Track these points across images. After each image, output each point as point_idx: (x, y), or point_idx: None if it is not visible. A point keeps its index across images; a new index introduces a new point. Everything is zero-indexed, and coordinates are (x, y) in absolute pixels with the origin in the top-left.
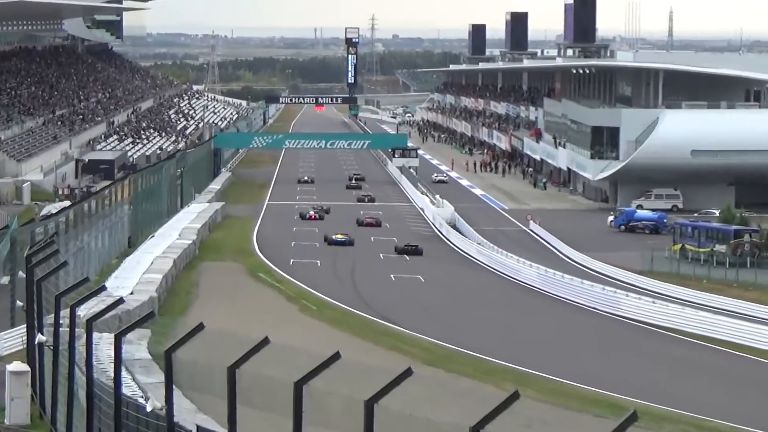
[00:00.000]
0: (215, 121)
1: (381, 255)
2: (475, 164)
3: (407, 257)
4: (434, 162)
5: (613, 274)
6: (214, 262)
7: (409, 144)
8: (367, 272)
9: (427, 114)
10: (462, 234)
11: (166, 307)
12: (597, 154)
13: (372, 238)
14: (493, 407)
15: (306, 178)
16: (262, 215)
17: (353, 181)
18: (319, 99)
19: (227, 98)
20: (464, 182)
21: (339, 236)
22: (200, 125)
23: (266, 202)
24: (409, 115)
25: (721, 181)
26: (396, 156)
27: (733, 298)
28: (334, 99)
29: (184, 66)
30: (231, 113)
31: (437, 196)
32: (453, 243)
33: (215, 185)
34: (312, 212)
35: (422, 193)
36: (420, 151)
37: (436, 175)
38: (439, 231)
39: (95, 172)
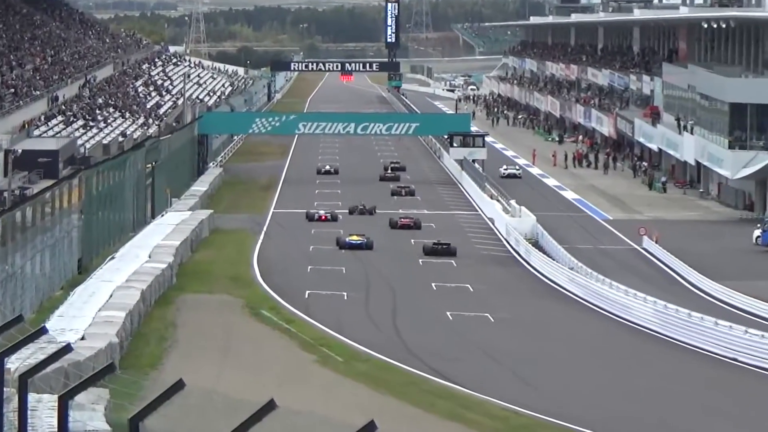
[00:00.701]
0: (200, 97)
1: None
2: (565, 156)
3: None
4: (508, 154)
5: (761, 312)
6: (199, 295)
7: (474, 128)
8: (412, 306)
9: (499, 86)
10: (547, 255)
11: (132, 358)
12: (738, 142)
13: (412, 241)
14: None
15: (328, 167)
16: (265, 228)
17: (389, 171)
18: (347, 65)
19: (217, 64)
20: (550, 181)
21: (354, 238)
22: (179, 102)
23: (272, 209)
24: (473, 87)
25: None
26: (455, 145)
27: None
28: (368, 65)
29: (156, 19)
30: (223, 85)
31: (512, 202)
32: (534, 267)
33: (200, 186)
34: (323, 212)
35: (491, 197)
36: (488, 139)
37: (505, 167)
38: (514, 250)
39: (31, 167)
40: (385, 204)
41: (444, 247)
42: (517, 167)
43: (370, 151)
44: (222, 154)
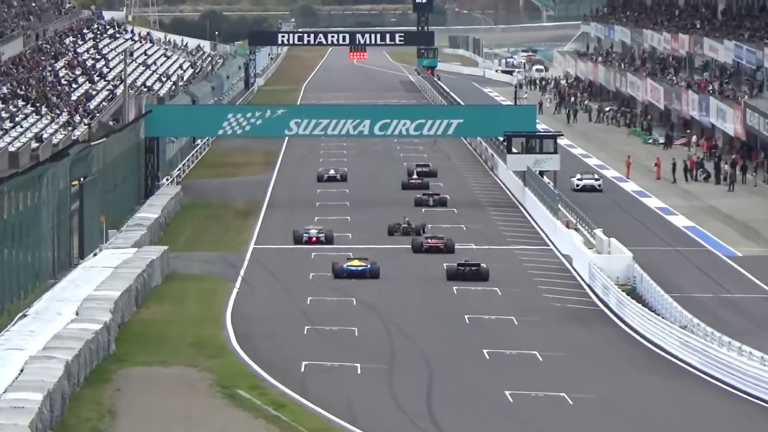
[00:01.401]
0: (149, 84)
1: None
2: (673, 166)
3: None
4: (591, 162)
5: None
6: (148, 368)
7: (541, 126)
8: (455, 382)
9: (576, 65)
10: (648, 308)
11: None
12: None
13: (444, 265)
14: None
15: (332, 172)
16: (243, 271)
17: (415, 177)
18: (358, 37)
19: (173, 37)
20: (651, 202)
21: (355, 264)
22: (118, 92)
23: (251, 244)
24: (540, 67)
25: None
26: (514, 151)
27: None
28: (388, 37)
29: None
30: (181, 67)
31: (598, 232)
32: (630, 326)
33: (149, 212)
34: (314, 231)
35: (567, 225)
36: (563, 141)
37: (579, 176)
38: (601, 301)
39: None
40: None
41: (473, 270)
42: (596, 176)
43: (391, 159)
44: (180, 166)
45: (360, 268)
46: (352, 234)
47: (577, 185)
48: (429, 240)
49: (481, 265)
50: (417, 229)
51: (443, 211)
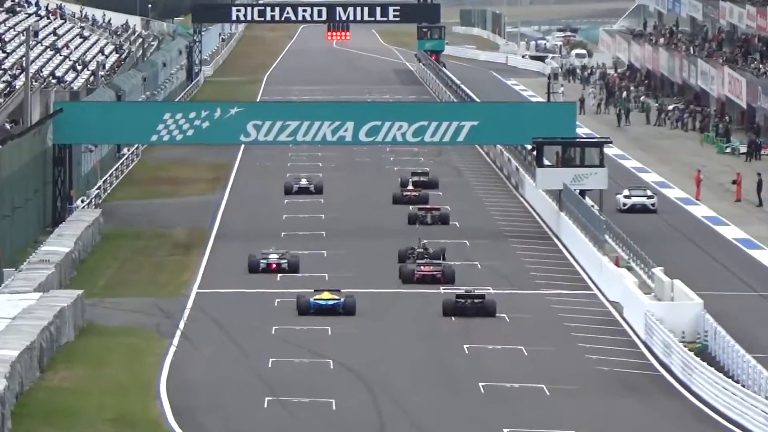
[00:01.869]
0: (58, 74)
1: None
2: (759, 183)
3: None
4: (648, 178)
5: None
6: None
7: (583, 130)
8: None
9: (630, 49)
10: (724, 372)
11: None
12: None
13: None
14: None
15: (305, 182)
16: (183, 324)
17: (410, 189)
18: (338, 12)
19: (91, 11)
20: (728, 231)
21: (324, 297)
22: (18, 84)
23: (194, 287)
24: (581, 52)
25: None
26: (546, 163)
27: None
28: (378, 11)
29: None
30: (102, 51)
31: (657, 272)
32: (698, 395)
33: (58, 244)
34: (273, 256)
35: (617, 262)
36: (611, 151)
37: (627, 192)
38: (661, 363)
39: None
40: (400, 240)
41: (477, 302)
42: (650, 193)
43: (381, 171)
44: (100, 184)
45: (331, 303)
46: (328, 273)
47: (625, 204)
48: (421, 270)
49: (486, 297)
50: (436, 254)
51: (442, 230)
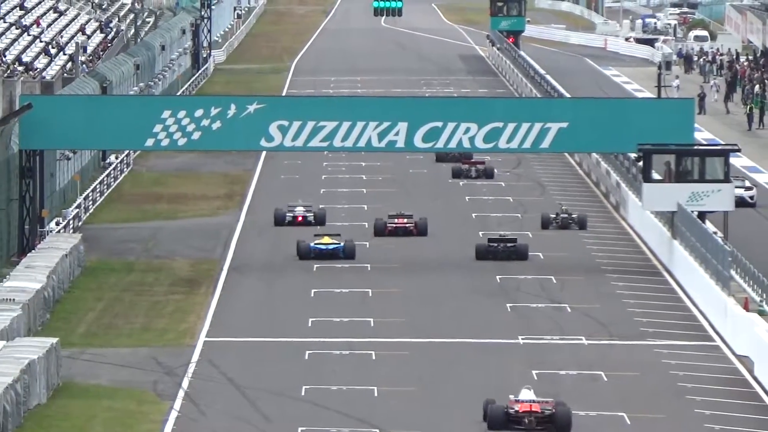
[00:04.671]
0: (26, 60)
1: None
2: None
3: None
4: None
5: None
6: None
7: (702, 135)
8: None
9: (765, 30)
10: None
11: None
12: None
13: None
14: None
15: (301, 209)
16: (187, 381)
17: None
18: None
19: None
20: None
21: (324, 242)
22: None
23: (201, 334)
24: (702, 34)
25: None
26: (655, 178)
27: None
28: None
29: None
30: (83, 29)
31: None
32: None
33: (27, 278)
34: (300, 209)
35: (745, 305)
36: (740, 161)
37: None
38: None
39: None
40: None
41: (510, 247)
42: (747, 184)
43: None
44: (81, 201)
45: (331, 247)
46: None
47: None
48: (395, 219)
49: (518, 240)
50: (581, 221)
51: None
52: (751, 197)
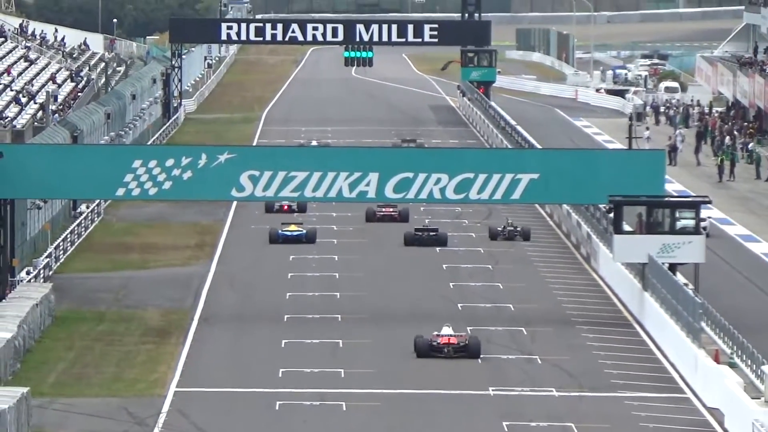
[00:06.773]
0: None
1: None
2: None
3: None
4: (758, 248)
5: None
6: None
7: (673, 186)
8: None
9: (736, 81)
10: None
11: None
12: None
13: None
14: None
15: (294, 228)
16: None
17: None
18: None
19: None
20: None
21: (291, 229)
22: None
23: (172, 384)
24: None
25: None
26: (626, 229)
27: None
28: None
29: None
30: (53, 78)
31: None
32: None
33: None
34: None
35: (717, 357)
36: (712, 213)
37: None
38: None
39: None
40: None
41: (431, 235)
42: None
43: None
44: (51, 250)
45: (296, 233)
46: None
47: None
48: (382, 209)
49: (439, 230)
50: (525, 233)
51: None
52: (704, 228)
